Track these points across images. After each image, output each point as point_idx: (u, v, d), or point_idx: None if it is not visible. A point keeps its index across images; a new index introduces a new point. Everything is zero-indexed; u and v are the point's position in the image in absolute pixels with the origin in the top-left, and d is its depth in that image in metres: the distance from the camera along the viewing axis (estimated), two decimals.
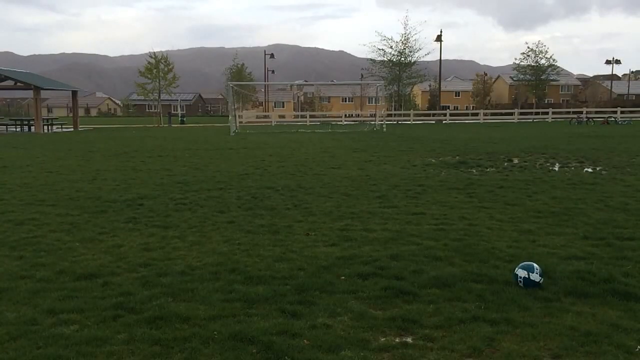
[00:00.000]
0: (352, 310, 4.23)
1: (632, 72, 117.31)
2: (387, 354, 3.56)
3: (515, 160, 14.83)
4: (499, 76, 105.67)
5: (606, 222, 7.16)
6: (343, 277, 5.01)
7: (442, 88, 63.22)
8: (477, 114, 55.26)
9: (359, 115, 61.54)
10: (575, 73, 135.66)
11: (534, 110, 54.96)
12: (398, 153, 17.40)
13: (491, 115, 56.88)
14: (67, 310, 4.27)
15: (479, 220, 7.34)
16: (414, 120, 49.42)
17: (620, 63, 76.73)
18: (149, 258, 5.72)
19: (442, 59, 50.57)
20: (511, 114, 52.53)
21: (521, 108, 60.47)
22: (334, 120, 51.96)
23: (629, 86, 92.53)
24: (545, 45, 64.51)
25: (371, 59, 54.65)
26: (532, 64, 65.40)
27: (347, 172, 12.72)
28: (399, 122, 46.70)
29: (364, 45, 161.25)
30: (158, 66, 48.94)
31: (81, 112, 77.81)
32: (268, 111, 72.43)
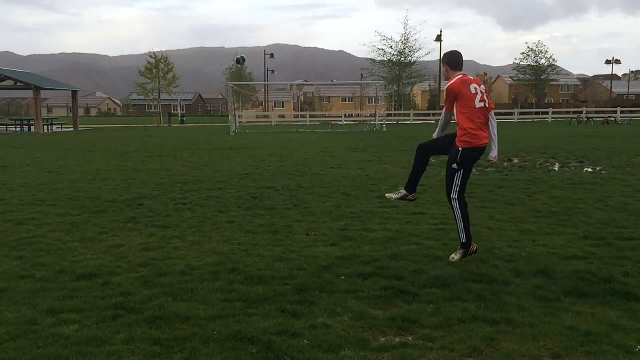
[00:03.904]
0: (352, 310, 4.23)
1: (632, 72, 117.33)
2: (387, 354, 3.56)
3: (515, 160, 14.83)
4: (499, 76, 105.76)
5: (606, 222, 7.16)
6: (343, 277, 5.01)
7: (442, 88, 63.19)
8: None
9: (359, 115, 61.54)
10: (575, 73, 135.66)
11: (534, 110, 54.90)
12: (398, 153, 17.40)
13: None
14: (67, 310, 4.27)
15: (479, 220, 7.33)
16: (414, 120, 49.44)
17: (620, 63, 76.77)
18: (149, 258, 5.71)
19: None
20: (511, 114, 52.48)
21: (521, 108, 60.45)
22: (334, 120, 51.96)
23: (629, 86, 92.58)
24: (545, 45, 64.50)
25: (371, 59, 54.76)
26: (532, 64, 65.41)
27: (347, 172, 12.72)
28: (399, 122, 46.72)
29: (364, 45, 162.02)
30: (158, 66, 48.98)
31: (81, 112, 77.84)
32: (268, 111, 72.43)
